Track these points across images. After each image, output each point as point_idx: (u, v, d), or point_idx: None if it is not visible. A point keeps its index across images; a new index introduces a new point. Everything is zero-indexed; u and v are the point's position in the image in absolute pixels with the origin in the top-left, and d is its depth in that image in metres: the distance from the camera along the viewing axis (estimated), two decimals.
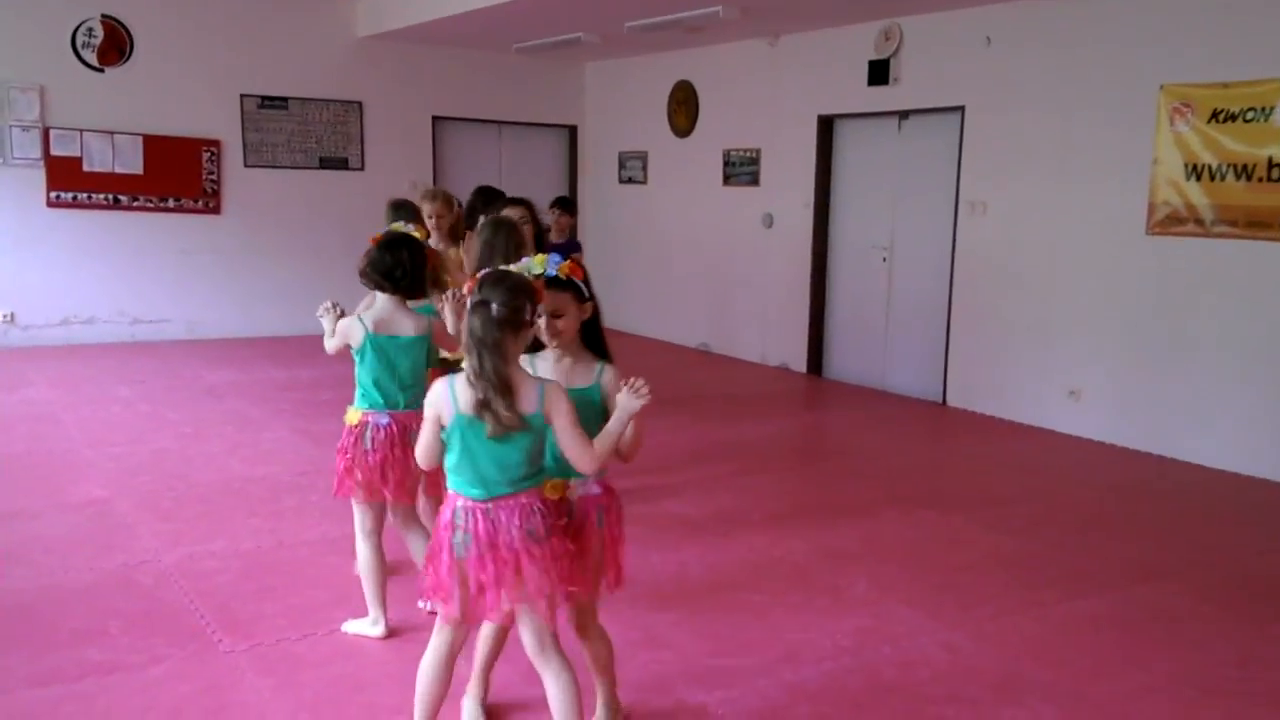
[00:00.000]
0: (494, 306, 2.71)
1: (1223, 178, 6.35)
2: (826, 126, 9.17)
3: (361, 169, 11.29)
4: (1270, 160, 6.11)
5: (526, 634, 2.89)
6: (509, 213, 5.26)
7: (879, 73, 8.38)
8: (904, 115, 8.51)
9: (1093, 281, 7.13)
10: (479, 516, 2.79)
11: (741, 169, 10.01)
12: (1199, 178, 6.47)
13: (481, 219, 5.44)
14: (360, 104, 11.19)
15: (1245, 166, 6.23)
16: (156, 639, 3.92)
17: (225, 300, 10.76)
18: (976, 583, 4.67)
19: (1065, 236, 7.27)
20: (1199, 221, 6.49)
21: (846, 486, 6.17)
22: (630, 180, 11.47)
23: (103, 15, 9.83)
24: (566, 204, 7.42)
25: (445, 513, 2.87)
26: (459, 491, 2.84)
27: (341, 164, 11.20)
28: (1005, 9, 7.54)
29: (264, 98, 10.69)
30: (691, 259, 10.59)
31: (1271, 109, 6.09)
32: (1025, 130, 7.46)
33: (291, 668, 3.73)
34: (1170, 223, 6.64)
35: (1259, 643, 4.14)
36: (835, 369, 9.33)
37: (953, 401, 8.20)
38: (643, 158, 11.39)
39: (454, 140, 11.87)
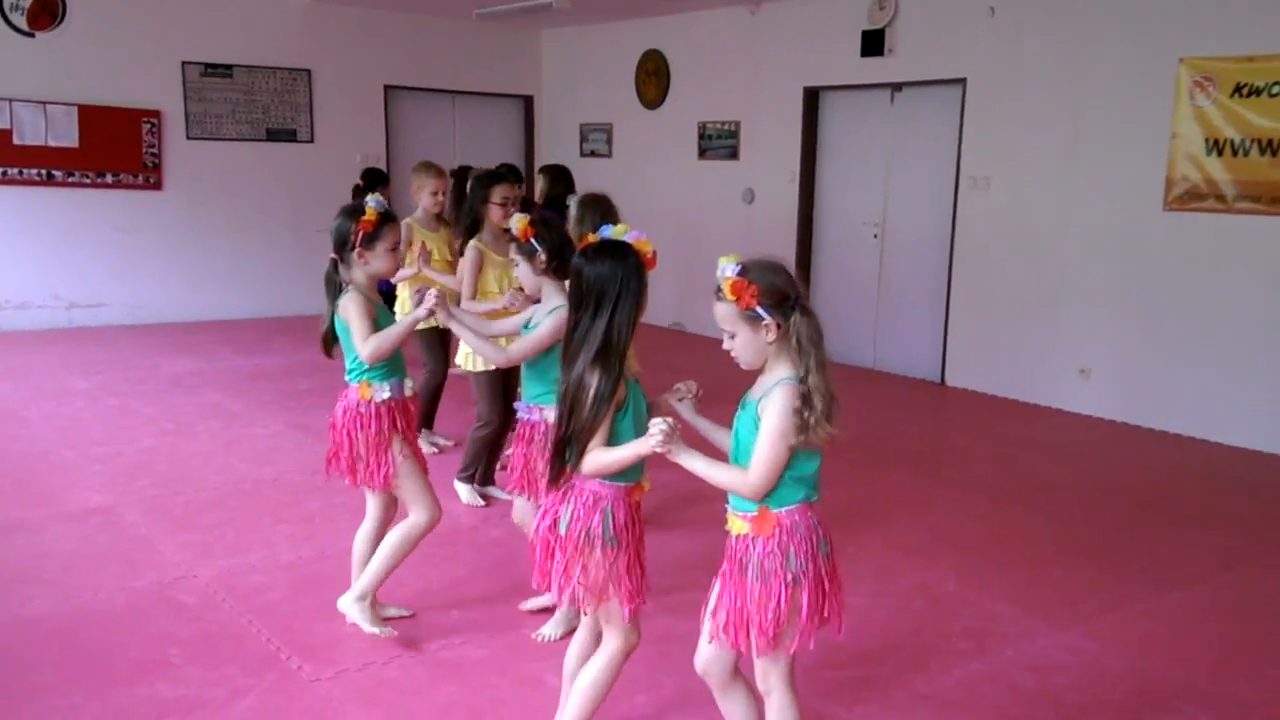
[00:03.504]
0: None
1: (1246, 153, 6.32)
2: (813, 98, 8.96)
3: (311, 141, 10.71)
4: None
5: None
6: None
7: (873, 43, 8.19)
8: (897, 88, 8.34)
9: (1106, 258, 7.07)
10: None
11: (719, 142, 9.75)
12: (1220, 153, 6.43)
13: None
14: (309, 72, 10.59)
15: (1271, 141, 6.21)
16: (229, 668, 3.55)
17: (169, 282, 10.11)
18: (1065, 577, 4.53)
19: (1076, 212, 7.20)
20: (1220, 197, 6.47)
21: (880, 473, 5.98)
22: (593, 153, 11.11)
23: None
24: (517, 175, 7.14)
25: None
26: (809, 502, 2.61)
27: (290, 135, 10.60)
28: None
29: (207, 65, 10.02)
30: (663, 234, 10.19)
31: None
32: (1033, 104, 7.35)
33: (394, 696, 3.40)
34: (1189, 198, 6.61)
35: None
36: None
37: (952, 381, 8.12)
38: (607, 130, 11.04)
39: (406, 110, 11.34)
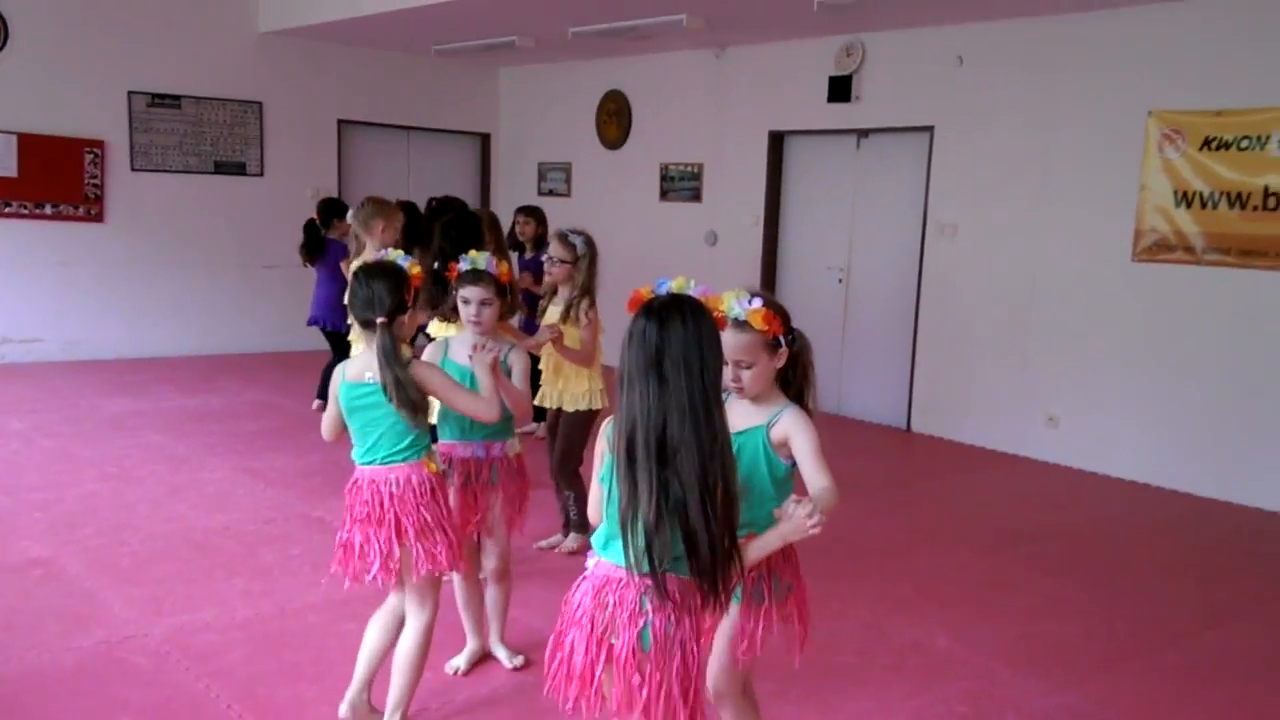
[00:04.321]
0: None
1: (1215, 205, 6.36)
2: (777, 142, 8.91)
3: (260, 174, 10.43)
4: (1266, 189, 6.14)
5: None
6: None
7: (840, 89, 8.16)
8: (863, 134, 8.32)
9: (1074, 306, 7.06)
10: None
11: (681, 184, 9.66)
12: (1189, 205, 6.46)
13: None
14: (260, 104, 10.33)
15: (1239, 195, 6.25)
16: None
17: (108, 318, 9.73)
18: (1056, 632, 4.42)
19: (1044, 261, 7.19)
20: (1189, 249, 6.49)
21: (855, 524, 5.84)
22: (551, 192, 10.96)
23: None
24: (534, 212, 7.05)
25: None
26: None
27: (239, 169, 10.31)
28: (978, 29, 7.43)
29: (155, 95, 9.72)
30: (624, 275, 10.00)
31: (1267, 138, 6.12)
32: (1001, 152, 7.36)
33: None
34: (1158, 250, 6.62)
35: None
36: None
37: (918, 427, 8.04)
38: (566, 169, 10.91)
39: (360, 145, 11.11)
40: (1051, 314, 7.18)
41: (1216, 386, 6.46)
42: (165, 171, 9.89)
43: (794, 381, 2.71)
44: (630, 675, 2.25)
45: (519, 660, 3.87)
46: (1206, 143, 6.37)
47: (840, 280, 8.56)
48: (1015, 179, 7.31)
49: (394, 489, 3.13)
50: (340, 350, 7.79)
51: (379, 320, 3.06)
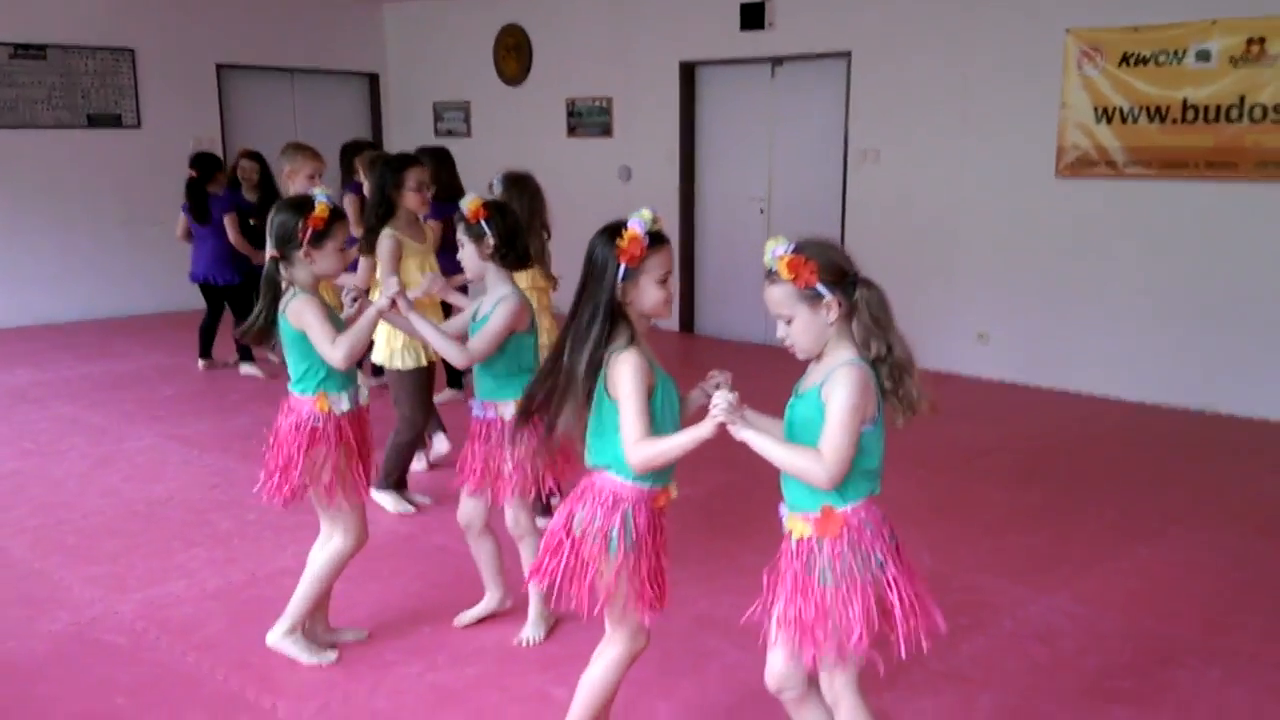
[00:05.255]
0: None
1: (1135, 120, 6.52)
2: (689, 73, 8.79)
3: (137, 126, 9.82)
4: (1185, 102, 6.32)
5: None
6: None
7: (753, 17, 8.06)
8: (778, 61, 8.26)
9: (1000, 226, 7.20)
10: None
11: (590, 119, 9.46)
12: (1109, 120, 6.62)
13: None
14: (133, 51, 9.69)
15: (1159, 109, 6.43)
16: (193, 714, 3.16)
17: None
18: (1027, 543, 4.56)
19: (969, 182, 7.29)
20: (1110, 163, 6.66)
21: None
22: (450, 133, 10.61)
23: None
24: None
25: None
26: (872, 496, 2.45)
27: (114, 121, 9.68)
28: None
29: (17, 46, 9.03)
30: None
31: (1184, 52, 6.29)
32: (921, 77, 7.39)
33: None
34: (1080, 165, 6.78)
35: None
36: (709, 325, 9.05)
37: None
38: (465, 108, 10.57)
39: (242, 91, 10.55)
40: (977, 234, 7.31)
41: (1140, 296, 6.68)
42: (35, 127, 9.22)
43: (860, 337, 2.38)
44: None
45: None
46: (1125, 59, 6.51)
47: (762, 211, 8.54)
48: (935, 102, 7.36)
49: (292, 418, 3.28)
50: (218, 307, 7.48)
51: (270, 254, 3.25)
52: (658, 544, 2.58)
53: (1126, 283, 6.73)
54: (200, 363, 7.63)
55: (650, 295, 2.52)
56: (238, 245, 7.25)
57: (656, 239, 2.53)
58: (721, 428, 2.33)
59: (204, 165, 7.37)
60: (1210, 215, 6.37)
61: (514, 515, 3.57)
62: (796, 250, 2.36)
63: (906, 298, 7.46)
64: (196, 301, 7.72)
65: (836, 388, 2.31)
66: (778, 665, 2.49)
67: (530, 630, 3.59)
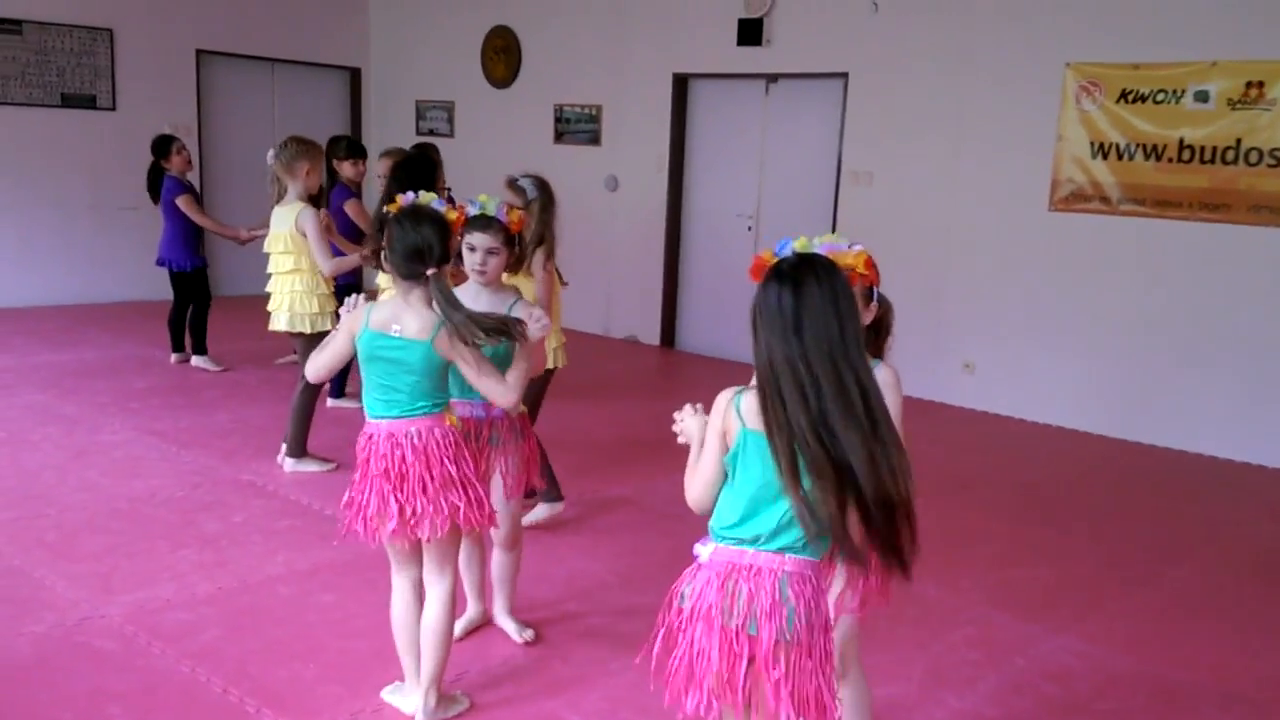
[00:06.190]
0: None
1: (1131, 157, 6.56)
2: (681, 86, 8.73)
3: (112, 108, 9.58)
4: (1181, 141, 6.37)
5: None
6: None
7: (750, 33, 8.03)
8: (773, 79, 8.23)
9: (990, 255, 7.21)
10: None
11: (578, 126, 9.36)
12: (1105, 156, 6.65)
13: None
14: (111, 31, 9.45)
15: (1155, 147, 6.47)
16: None
17: None
18: (1030, 578, 4.55)
19: (961, 209, 7.30)
20: (1104, 199, 6.70)
21: None
22: (432, 132, 10.46)
23: None
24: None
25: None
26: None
27: (88, 102, 9.43)
28: None
29: None
30: None
31: (1183, 92, 6.34)
32: (918, 102, 7.39)
33: None
34: (1074, 199, 6.81)
35: None
36: (691, 341, 8.99)
37: None
38: (448, 108, 10.43)
39: (221, 79, 10.33)
40: (968, 262, 7.32)
41: (1129, 334, 6.72)
42: (6, 104, 8.95)
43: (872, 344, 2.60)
44: (773, 668, 2.12)
45: (529, 634, 3.66)
46: (1123, 95, 6.55)
47: (750, 228, 8.50)
48: (931, 127, 7.36)
49: (415, 441, 2.90)
50: (185, 294, 7.31)
51: (429, 272, 2.87)
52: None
53: (1114, 320, 6.76)
54: (173, 356, 7.45)
55: None
56: (207, 226, 7.32)
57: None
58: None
59: (157, 146, 7.33)
60: (1202, 256, 6.42)
61: (509, 523, 3.52)
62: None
63: (895, 322, 7.53)
64: (168, 291, 7.53)
65: (886, 389, 2.28)
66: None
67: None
